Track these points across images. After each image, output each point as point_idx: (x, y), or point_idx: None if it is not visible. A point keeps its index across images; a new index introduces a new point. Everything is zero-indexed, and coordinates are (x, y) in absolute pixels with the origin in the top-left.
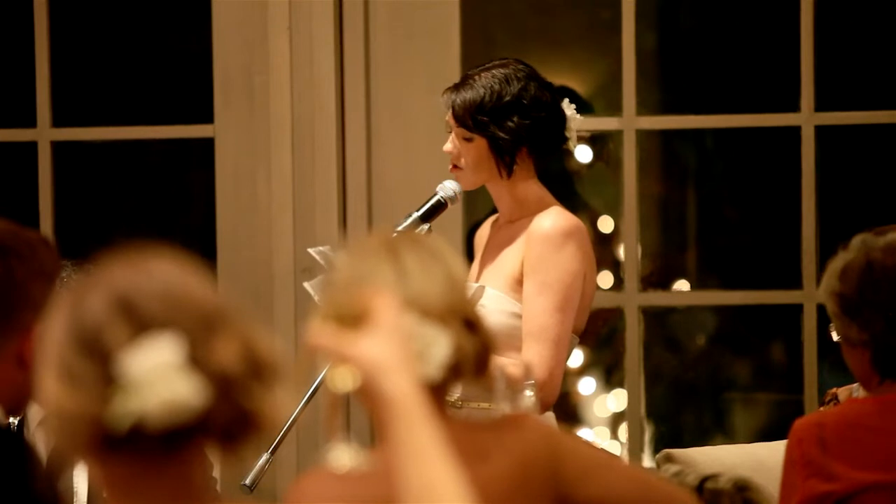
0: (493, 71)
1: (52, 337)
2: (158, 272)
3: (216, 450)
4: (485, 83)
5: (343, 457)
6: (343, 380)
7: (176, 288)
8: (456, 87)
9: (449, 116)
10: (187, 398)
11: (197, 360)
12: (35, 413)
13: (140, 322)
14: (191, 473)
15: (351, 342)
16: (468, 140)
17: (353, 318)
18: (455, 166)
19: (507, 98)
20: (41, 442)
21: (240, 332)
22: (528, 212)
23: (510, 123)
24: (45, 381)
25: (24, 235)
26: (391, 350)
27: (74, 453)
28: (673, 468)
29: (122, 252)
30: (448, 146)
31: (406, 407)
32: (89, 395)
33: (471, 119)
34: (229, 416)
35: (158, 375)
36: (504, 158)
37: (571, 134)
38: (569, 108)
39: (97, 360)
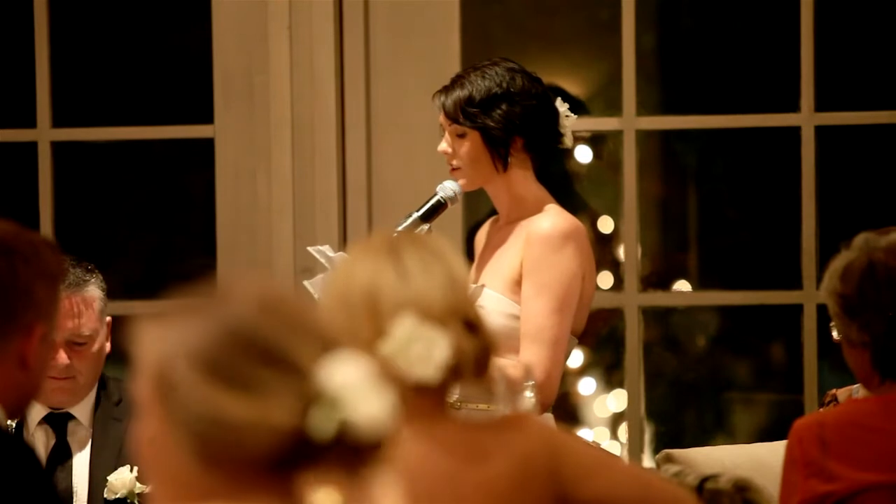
0: (481, 69)
1: (204, 342)
2: (284, 293)
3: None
4: (472, 80)
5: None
6: None
7: (312, 310)
8: (445, 89)
9: (441, 116)
10: (387, 413)
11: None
12: (35, 414)
13: (322, 339)
14: None
15: None
16: (461, 136)
17: None
18: (454, 168)
19: (496, 90)
20: (40, 443)
21: None
22: (527, 212)
23: (499, 112)
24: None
25: (27, 237)
26: None
27: (234, 468)
28: (673, 468)
29: (221, 282)
30: (442, 146)
31: None
32: (282, 407)
33: (461, 112)
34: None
35: (359, 390)
36: (498, 150)
37: (566, 131)
38: (562, 105)
39: (291, 373)
